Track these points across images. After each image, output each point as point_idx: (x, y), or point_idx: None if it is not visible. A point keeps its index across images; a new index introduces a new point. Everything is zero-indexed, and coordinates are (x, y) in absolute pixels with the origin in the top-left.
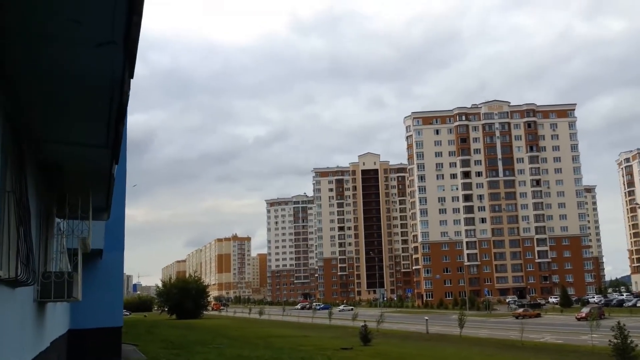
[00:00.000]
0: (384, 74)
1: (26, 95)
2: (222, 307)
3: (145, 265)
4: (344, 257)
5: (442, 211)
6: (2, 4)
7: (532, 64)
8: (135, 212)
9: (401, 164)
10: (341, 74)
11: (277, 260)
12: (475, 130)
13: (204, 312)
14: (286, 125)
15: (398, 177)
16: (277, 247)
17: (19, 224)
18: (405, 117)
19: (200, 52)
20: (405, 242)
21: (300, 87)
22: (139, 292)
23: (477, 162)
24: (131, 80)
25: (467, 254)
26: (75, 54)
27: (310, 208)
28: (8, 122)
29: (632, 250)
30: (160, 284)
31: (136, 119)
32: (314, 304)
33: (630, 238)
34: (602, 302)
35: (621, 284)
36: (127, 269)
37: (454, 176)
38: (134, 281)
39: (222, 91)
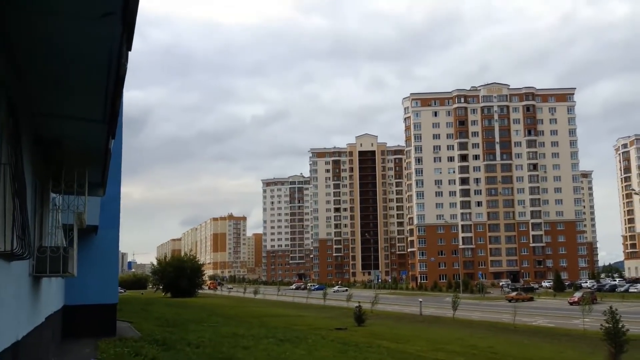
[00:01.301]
0: (385, 54)
1: (24, 67)
2: (217, 286)
3: (141, 243)
4: (339, 238)
5: (439, 194)
6: None
7: (534, 48)
8: (132, 190)
9: (399, 145)
10: (342, 54)
11: (272, 240)
12: (474, 112)
13: (199, 291)
14: (285, 104)
15: (395, 159)
16: (272, 227)
17: (15, 196)
18: (404, 99)
19: (200, 30)
20: (400, 224)
21: (300, 67)
22: (134, 270)
23: (475, 145)
24: (129, 53)
25: (462, 237)
26: (76, 26)
27: (307, 189)
28: (4, 93)
29: (627, 236)
30: (155, 262)
31: (133, 96)
32: (309, 284)
33: (625, 224)
34: (595, 287)
35: (614, 269)
36: (123, 247)
37: (451, 159)
38: (129, 259)
39: (222, 69)
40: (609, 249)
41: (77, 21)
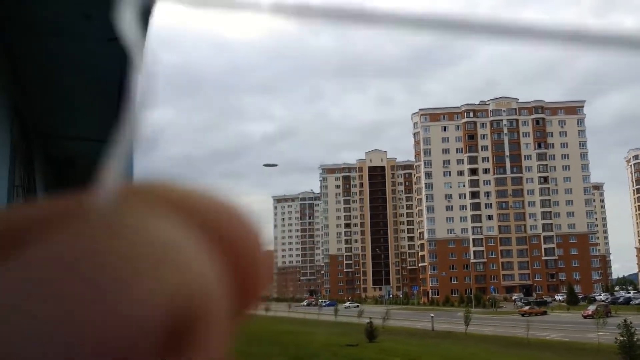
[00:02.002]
0: (393, 71)
1: (36, 90)
2: None
3: None
4: (350, 253)
5: (449, 208)
6: None
7: (542, 61)
8: None
9: (408, 160)
10: (350, 71)
11: (283, 256)
12: (483, 127)
13: None
14: (294, 122)
15: (405, 173)
16: (283, 244)
17: None
18: (413, 114)
19: (209, 49)
20: (411, 239)
21: (309, 84)
22: None
23: (485, 159)
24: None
25: (474, 251)
26: (85, 49)
27: (317, 205)
28: (17, 116)
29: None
30: None
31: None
32: (320, 300)
33: (638, 236)
34: (609, 299)
35: (628, 281)
36: None
37: (461, 173)
38: None
39: (231, 88)
40: (622, 261)
41: (86, 44)
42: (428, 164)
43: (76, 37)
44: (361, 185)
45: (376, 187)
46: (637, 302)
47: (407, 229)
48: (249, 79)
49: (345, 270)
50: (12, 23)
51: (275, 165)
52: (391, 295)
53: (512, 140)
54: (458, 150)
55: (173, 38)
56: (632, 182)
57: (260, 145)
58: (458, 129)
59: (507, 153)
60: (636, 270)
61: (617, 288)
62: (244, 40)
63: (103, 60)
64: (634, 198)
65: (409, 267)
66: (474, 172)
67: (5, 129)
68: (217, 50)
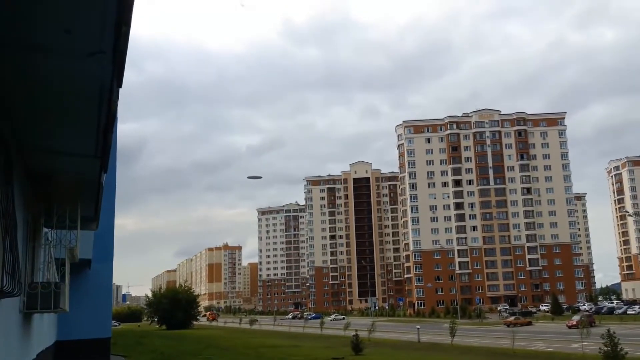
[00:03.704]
0: (378, 83)
1: (15, 105)
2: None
3: (135, 275)
4: (335, 265)
5: (434, 219)
6: None
7: (524, 73)
8: (125, 222)
9: (393, 172)
10: (335, 83)
11: (268, 269)
12: (467, 138)
13: (195, 322)
14: (280, 134)
15: (390, 185)
16: (268, 256)
17: (5, 234)
18: (397, 126)
19: (194, 61)
20: (396, 250)
21: (294, 96)
22: (128, 303)
23: (468, 171)
24: (120, 89)
25: (459, 262)
26: (64, 64)
27: (302, 217)
28: None
29: (622, 257)
30: (150, 294)
31: (127, 128)
32: (305, 313)
33: (620, 246)
34: (593, 309)
35: (612, 291)
36: (117, 279)
37: (445, 184)
38: (124, 291)
39: (216, 100)
40: (606, 270)
41: (66, 59)
42: (412, 175)
43: (57, 52)
44: (346, 197)
45: (361, 198)
46: (620, 311)
47: (393, 240)
48: (234, 91)
49: (330, 282)
50: None
51: (259, 177)
52: (377, 307)
53: (495, 151)
54: (442, 162)
55: (158, 50)
56: (614, 192)
57: (245, 157)
58: (442, 141)
59: (490, 164)
60: (619, 280)
61: (600, 298)
62: (229, 52)
63: (83, 74)
64: (616, 208)
65: (394, 279)
66: (457, 183)
67: None
68: (202, 62)
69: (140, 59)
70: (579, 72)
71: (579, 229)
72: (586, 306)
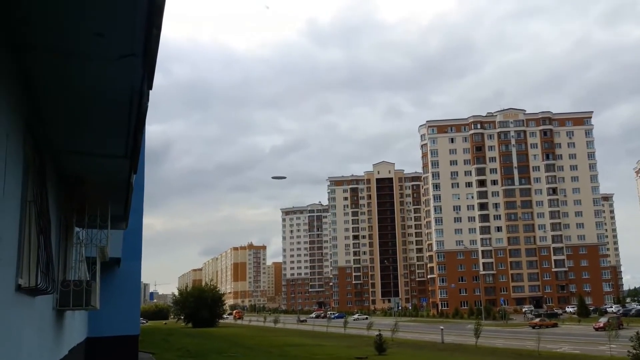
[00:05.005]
0: (401, 83)
1: (48, 108)
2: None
3: (162, 273)
4: (358, 265)
5: (457, 220)
6: (29, 20)
7: (549, 72)
8: (153, 221)
9: (416, 172)
10: (358, 84)
11: (292, 268)
12: (491, 138)
13: (220, 321)
14: (303, 134)
15: (413, 185)
16: (292, 256)
17: (39, 234)
18: (420, 126)
19: (219, 63)
20: (420, 250)
21: (317, 97)
22: (155, 301)
23: (493, 171)
24: (150, 91)
25: (483, 263)
26: (96, 67)
27: (325, 217)
28: (30, 133)
29: None
30: (176, 293)
31: (154, 129)
32: (329, 312)
33: None
34: (621, 311)
35: None
36: (144, 278)
37: (469, 184)
38: (151, 289)
39: (240, 102)
40: (634, 272)
41: (98, 62)
42: (436, 175)
43: (89, 56)
44: (369, 197)
45: (384, 199)
46: None
47: (416, 240)
48: (258, 92)
49: (353, 282)
50: (29, 48)
51: (284, 177)
52: (400, 307)
53: (520, 151)
54: (466, 162)
55: (183, 52)
56: None
57: (269, 157)
58: (465, 141)
59: (515, 164)
60: None
61: (628, 300)
62: (254, 53)
63: (115, 77)
64: None
65: (417, 279)
66: (482, 183)
67: (18, 146)
68: (227, 64)
69: (167, 61)
70: (605, 70)
71: (606, 230)
72: (613, 308)
